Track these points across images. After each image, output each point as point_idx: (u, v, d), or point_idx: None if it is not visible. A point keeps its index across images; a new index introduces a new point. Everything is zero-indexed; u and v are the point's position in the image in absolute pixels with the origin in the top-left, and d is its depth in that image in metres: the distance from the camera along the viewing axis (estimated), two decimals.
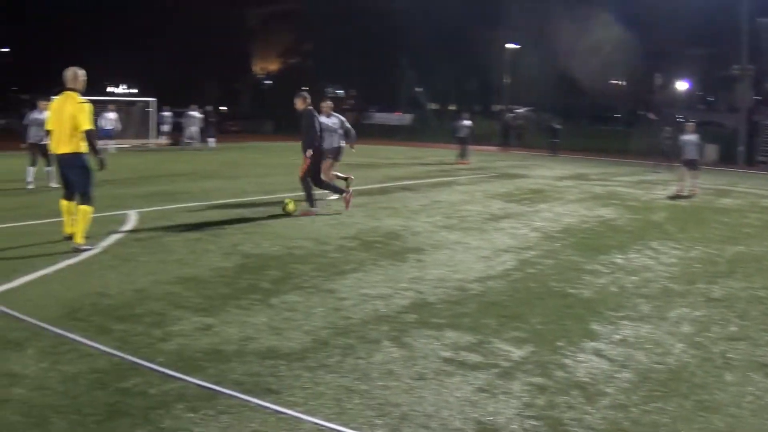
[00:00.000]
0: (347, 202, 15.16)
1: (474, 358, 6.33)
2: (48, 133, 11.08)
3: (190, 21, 71.70)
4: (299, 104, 14.67)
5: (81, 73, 10.77)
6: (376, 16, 64.36)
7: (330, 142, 16.94)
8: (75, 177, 10.77)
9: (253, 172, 24.78)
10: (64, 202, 11.02)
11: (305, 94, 14.64)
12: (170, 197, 16.84)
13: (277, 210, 14.45)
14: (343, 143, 18.06)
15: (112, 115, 33.86)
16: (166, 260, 9.97)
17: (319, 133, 14.55)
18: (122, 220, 13.25)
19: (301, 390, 5.51)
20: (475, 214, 15.18)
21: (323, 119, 16.23)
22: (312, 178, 14.66)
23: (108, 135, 33.43)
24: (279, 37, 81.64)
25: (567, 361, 6.34)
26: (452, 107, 72.71)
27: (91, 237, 10.83)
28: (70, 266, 9.42)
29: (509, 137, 47.28)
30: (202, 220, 13.44)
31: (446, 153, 36.71)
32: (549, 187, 21.90)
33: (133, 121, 40.82)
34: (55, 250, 10.42)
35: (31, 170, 18.29)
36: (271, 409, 5.17)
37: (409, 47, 62.93)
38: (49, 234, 11.66)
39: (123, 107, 41.63)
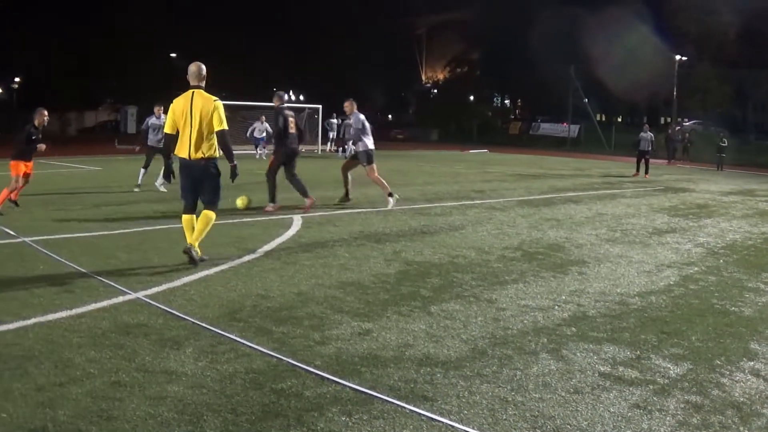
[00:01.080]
0: (307, 208, 15.40)
1: (631, 373, 6.11)
2: (168, 136, 9.90)
3: (358, 29, 72.72)
4: (276, 101, 15.72)
5: (204, 68, 9.83)
6: (544, 26, 63.79)
7: (359, 144, 17.04)
8: (207, 185, 9.82)
9: (418, 180, 24.82)
10: (187, 217, 9.90)
11: (280, 93, 15.09)
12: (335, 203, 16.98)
13: (441, 218, 14.37)
14: (368, 146, 17.05)
15: (262, 124, 34.68)
16: (328, 264, 10.01)
17: (286, 133, 15.30)
18: (287, 224, 13.44)
19: (456, 398, 5.41)
20: (639, 227, 14.73)
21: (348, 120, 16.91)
22: (268, 172, 15.61)
23: (259, 142, 34.43)
24: (447, 46, 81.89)
25: (724, 380, 6.05)
26: (619, 119, 71.38)
27: (256, 241, 10.97)
28: (232, 268, 9.58)
29: (670, 150, 45.89)
30: (365, 226, 13.50)
31: (612, 165, 35.95)
32: (714, 202, 21.08)
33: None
34: (217, 251, 10.64)
35: (143, 172, 19.34)
36: (425, 416, 5.08)
37: (576, 57, 62.08)
38: (211, 236, 11.91)
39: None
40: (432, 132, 75.17)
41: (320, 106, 43.86)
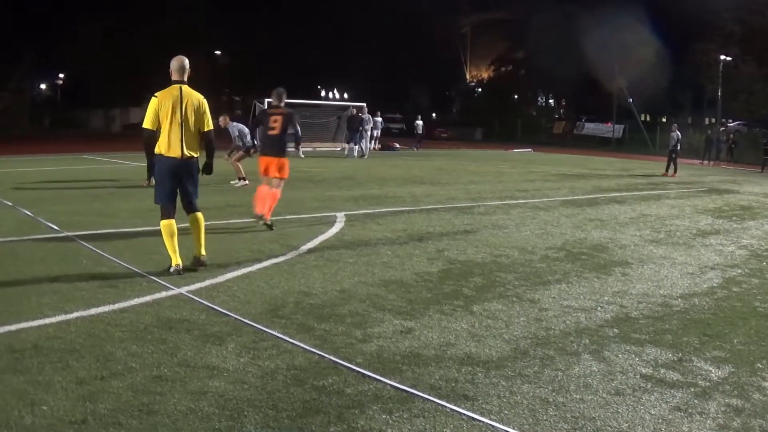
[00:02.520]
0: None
1: (673, 375, 6.03)
2: (150, 133, 8.98)
3: (404, 28, 72.67)
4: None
5: (188, 62, 9.19)
6: (588, 25, 63.31)
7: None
8: (191, 185, 9.23)
9: (462, 179, 24.73)
10: (170, 223, 9.10)
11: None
12: (379, 201, 17.02)
13: (484, 217, 14.29)
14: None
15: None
16: (371, 262, 9.98)
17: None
18: (330, 221, 13.44)
19: (497, 398, 5.36)
20: (683, 229, 14.54)
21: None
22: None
23: (296, 140, 34.33)
24: (491, 45, 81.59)
25: (766, 383, 5.94)
26: (663, 119, 70.73)
27: (300, 239, 10.97)
28: (275, 264, 9.58)
29: (711, 151, 45.32)
30: (408, 225, 13.45)
31: (656, 165, 35.60)
32: (758, 204, 20.75)
33: (344, 126, 41.63)
34: (261, 248, 10.65)
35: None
36: (466, 415, 5.04)
37: (621, 57, 61.56)
38: (256, 232, 11.94)
39: (335, 112, 42.74)
40: (476, 131, 74.96)
41: (364, 104, 43.84)
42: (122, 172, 20.94)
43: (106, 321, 6.81)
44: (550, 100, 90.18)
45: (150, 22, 66.58)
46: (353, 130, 36.12)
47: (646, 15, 60.22)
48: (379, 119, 45.01)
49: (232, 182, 19.16)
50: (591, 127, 69.60)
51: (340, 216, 14.12)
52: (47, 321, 6.75)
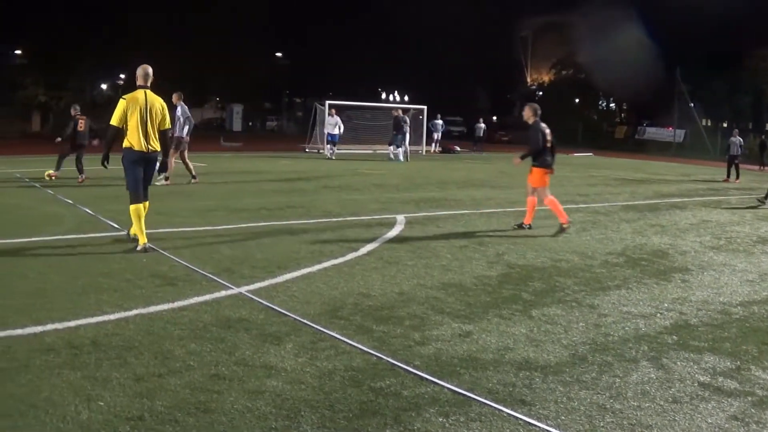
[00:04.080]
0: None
1: (731, 384, 5.90)
2: (115, 129, 10.48)
3: (465, 30, 72.51)
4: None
5: (151, 70, 10.78)
6: (650, 28, 62.64)
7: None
8: (150, 175, 10.88)
9: (522, 182, 24.51)
10: (135, 207, 10.34)
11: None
12: (439, 203, 16.96)
13: (545, 223, 14.15)
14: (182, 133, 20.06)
15: (333, 120, 34.47)
16: (430, 265, 9.92)
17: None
18: (391, 223, 13.41)
19: (554, 404, 5.29)
20: (744, 235, 14.23)
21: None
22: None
23: (333, 140, 34.41)
24: (552, 48, 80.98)
25: None
26: (725, 124, 69.60)
27: (359, 240, 10.95)
28: (334, 266, 9.56)
29: (764, 156, 44.43)
30: (468, 228, 13.38)
31: (716, 171, 35.05)
32: None
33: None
34: (321, 249, 10.65)
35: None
36: (523, 420, 4.99)
37: (683, 61, 60.80)
38: (316, 232, 11.96)
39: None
40: None
41: (425, 107, 43.79)
42: (182, 172, 21.03)
43: (165, 319, 6.85)
44: (611, 104, 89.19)
45: (212, 24, 67.18)
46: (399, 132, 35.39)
47: (706, 19, 59.42)
48: (440, 122, 44.96)
49: (160, 181, 18.80)
50: (652, 132, 68.88)
51: (400, 218, 14.09)
52: (106, 318, 6.81)
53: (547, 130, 13.23)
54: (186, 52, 66.08)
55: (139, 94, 10.45)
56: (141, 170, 10.50)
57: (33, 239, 10.78)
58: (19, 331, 6.33)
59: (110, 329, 6.47)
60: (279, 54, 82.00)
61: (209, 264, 9.29)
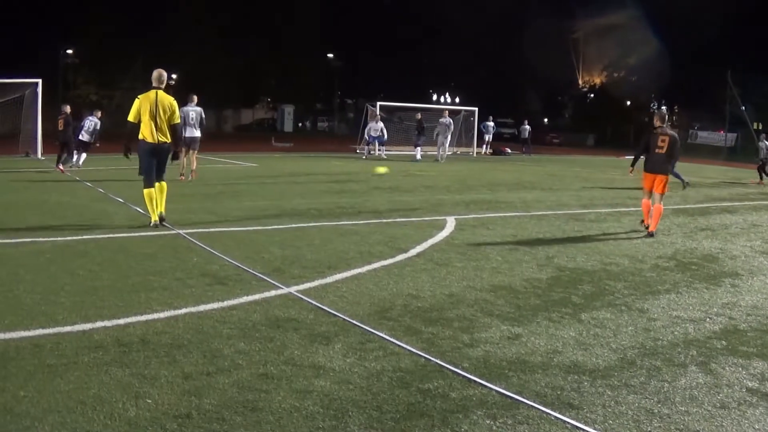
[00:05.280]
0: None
1: None
2: (132, 125, 12.02)
3: (516, 32, 72.19)
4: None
5: (165, 74, 12.48)
6: (700, 31, 61.89)
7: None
8: (163, 162, 12.27)
9: (574, 185, 24.41)
10: (149, 191, 12.01)
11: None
12: (489, 205, 16.88)
13: (595, 224, 14.04)
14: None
15: (378, 125, 34.84)
16: (480, 267, 9.87)
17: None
18: (440, 225, 13.36)
19: (602, 408, 5.23)
20: None
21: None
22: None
23: (381, 142, 34.77)
24: (604, 50, 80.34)
25: None
26: None
27: (409, 241, 10.92)
28: (384, 267, 9.55)
29: None
30: (519, 230, 13.29)
31: None
32: None
33: (456, 130, 41.57)
34: (371, 250, 10.64)
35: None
36: (570, 424, 4.93)
37: (733, 64, 60.01)
38: (366, 233, 11.95)
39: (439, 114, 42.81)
40: (588, 137, 74.09)
41: (476, 109, 43.65)
42: (234, 172, 21.22)
43: (215, 318, 6.88)
44: (663, 107, 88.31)
45: (263, 24, 67.55)
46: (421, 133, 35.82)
47: (755, 18, 58.71)
48: (491, 123, 44.80)
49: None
50: (704, 136, 68.18)
51: (450, 220, 14.04)
52: (155, 316, 6.86)
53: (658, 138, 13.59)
54: (238, 53, 66.59)
55: (152, 93, 12.09)
56: (153, 159, 12.10)
57: (84, 237, 10.92)
58: (68, 328, 6.40)
59: (159, 327, 6.51)
60: (331, 55, 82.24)
61: (259, 264, 9.33)
